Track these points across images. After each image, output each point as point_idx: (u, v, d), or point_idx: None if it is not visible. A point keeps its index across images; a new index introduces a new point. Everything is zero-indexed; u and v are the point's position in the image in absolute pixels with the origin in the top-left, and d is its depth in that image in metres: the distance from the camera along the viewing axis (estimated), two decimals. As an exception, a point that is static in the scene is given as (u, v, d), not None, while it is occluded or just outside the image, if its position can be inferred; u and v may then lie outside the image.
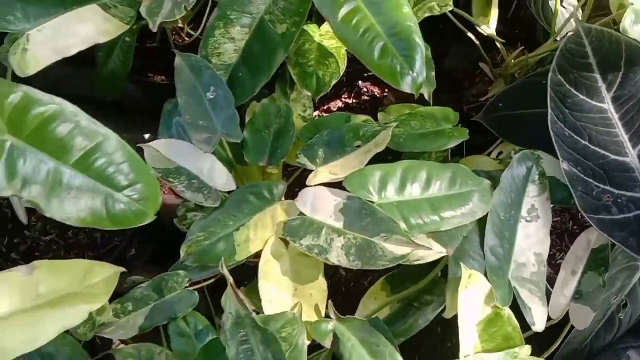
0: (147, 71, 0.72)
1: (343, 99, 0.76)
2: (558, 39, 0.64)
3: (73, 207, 0.39)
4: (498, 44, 0.64)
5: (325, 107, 0.74)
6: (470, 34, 0.62)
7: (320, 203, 0.46)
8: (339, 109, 0.75)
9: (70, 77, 0.65)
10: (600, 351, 0.59)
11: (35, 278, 0.45)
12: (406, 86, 0.48)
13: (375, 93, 0.78)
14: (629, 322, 0.59)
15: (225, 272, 0.41)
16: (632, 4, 0.53)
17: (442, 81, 0.63)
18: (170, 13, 0.46)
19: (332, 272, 0.64)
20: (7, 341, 0.41)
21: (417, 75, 0.48)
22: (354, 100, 0.76)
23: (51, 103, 0.38)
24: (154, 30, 0.45)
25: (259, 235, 0.47)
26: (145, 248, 0.69)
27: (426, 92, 0.55)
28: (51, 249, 0.63)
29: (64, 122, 0.39)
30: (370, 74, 0.78)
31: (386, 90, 0.77)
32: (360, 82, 0.77)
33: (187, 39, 0.70)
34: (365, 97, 0.77)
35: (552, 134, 0.52)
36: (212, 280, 0.51)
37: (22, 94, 0.37)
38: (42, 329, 0.43)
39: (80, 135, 0.39)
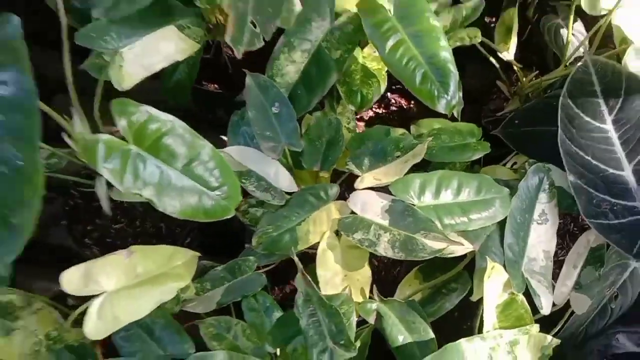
0: (201, 80, 0.81)
1: (374, 109, 0.86)
2: (567, 64, 0.74)
3: (178, 203, 0.48)
4: (515, 67, 0.73)
5: (358, 116, 0.84)
6: (491, 58, 0.72)
7: (368, 204, 0.56)
8: (370, 117, 0.84)
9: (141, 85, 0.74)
10: (595, 334, 0.69)
11: (133, 261, 0.55)
12: (441, 108, 0.57)
13: (403, 104, 0.87)
14: (620, 311, 0.69)
15: (296, 258, 0.51)
16: (633, 42, 0.62)
17: (463, 97, 0.72)
18: (251, 42, 0.55)
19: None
20: (118, 312, 0.50)
21: (451, 99, 0.57)
22: (383, 111, 0.86)
23: (165, 120, 0.47)
24: (239, 57, 0.55)
25: (317, 229, 0.57)
26: (197, 238, 0.78)
27: (456, 112, 0.65)
28: (120, 236, 0.72)
29: (173, 136, 0.48)
30: (397, 87, 0.88)
31: (412, 102, 0.86)
32: (389, 94, 0.86)
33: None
34: (394, 108, 0.86)
35: (561, 150, 0.62)
36: (272, 266, 0.61)
37: (145, 112, 0.47)
38: (142, 303, 0.52)
39: (184, 146, 0.49)
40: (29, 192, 0.41)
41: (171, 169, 0.48)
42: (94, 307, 0.49)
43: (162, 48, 0.61)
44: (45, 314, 0.56)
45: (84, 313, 0.50)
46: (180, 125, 0.49)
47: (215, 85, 0.82)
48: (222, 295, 0.56)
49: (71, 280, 0.49)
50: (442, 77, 0.57)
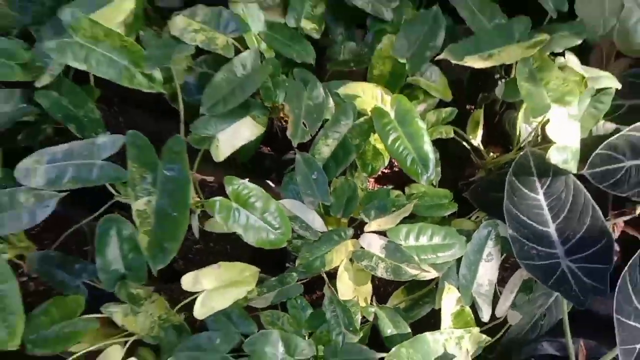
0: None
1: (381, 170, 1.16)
2: (518, 149, 1.04)
3: (256, 237, 0.79)
4: (481, 149, 1.04)
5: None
6: (465, 143, 1.02)
7: (372, 243, 0.86)
8: (378, 176, 1.15)
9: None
10: (528, 342, 0.97)
11: (220, 271, 0.86)
12: (423, 181, 0.88)
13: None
14: (547, 326, 0.98)
15: (324, 276, 0.81)
16: (556, 142, 0.92)
17: (445, 167, 1.02)
18: (302, 137, 0.86)
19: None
20: (212, 303, 0.80)
21: (430, 175, 0.88)
22: (387, 171, 1.16)
23: (252, 187, 0.79)
24: (295, 145, 0.86)
25: (337, 257, 0.87)
26: (251, 256, 1.09)
27: (434, 182, 0.95)
28: (199, 254, 1.03)
29: (255, 196, 0.79)
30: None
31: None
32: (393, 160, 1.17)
33: (285, 124, 1.11)
34: (395, 170, 1.17)
35: (505, 211, 0.91)
36: (305, 280, 0.91)
37: (242, 183, 0.78)
38: (226, 298, 0.83)
39: (261, 202, 0.80)
40: (177, 231, 0.72)
41: (253, 216, 0.79)
42: (199, 298, 0.79)
43: (242, 132, 0.92)
44: (159, 302, 0.86)
45: (183, 305, 0.81)
46: (259, 190, 0.80)
47: (268, 148, 1.14)
48: (274, 297, 0.87)
49: (187, 281, 0.79)
50: (424, 162, 0.88)
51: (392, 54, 0.97)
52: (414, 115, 0.91)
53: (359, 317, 0.82)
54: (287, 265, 0.99)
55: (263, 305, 0.87)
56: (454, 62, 0.90)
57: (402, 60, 0.96)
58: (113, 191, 0.87)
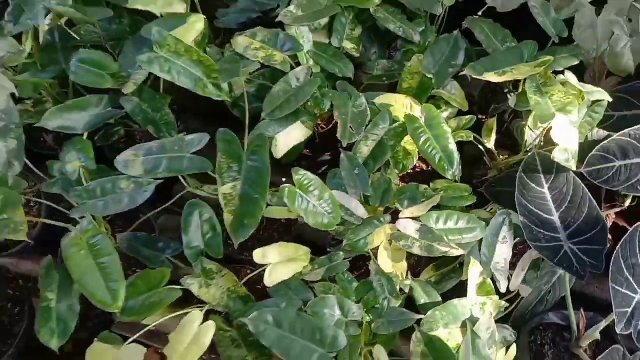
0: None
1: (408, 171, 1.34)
2: (525, 152, 1.22)
3: (313, 219, 0.95)
4: (494, 151, 1.22)
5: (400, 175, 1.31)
6: (480, 146, 1.20)
7: (408, 227, 1.02)
8: (403, 176, 1.32)
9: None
10: (536, 314, 1.14)
11: (280, 249, 1.01)
12: (449, 176, 1.05)
13: (423, 167, 1.35)
14: (552, 301, 1.15)
15: (371, 254, 0.97)
16: (559, 145, 1.09)
17: (463, 167, 1.19)
18: (351, 137, 1.03)
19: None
20: (277, 275, 0.96)
21: (455, 171, 1.05)
22: (411, 171, 1.34)
23: (311, 177, 0.95)
24: (345, 145, 1.02)
25: (377, 239, 1.03)
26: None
27: (457, 177, 1.12)
28: (250, 240, 1.19)
29: (314, 185, 0.95)
30: (420, 157, 1.36)
31: (430, 167, 1.34)
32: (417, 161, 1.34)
33: (324, 127, 1.28)
34: (418, 170, 1.34)
35: (517, 203, 1.08)
36: (350, 259, 1.07)
37: (304, 174, 0.94)
38: (287, 271, 0.98)
39: (317, 190, 0.96)
40: (257, 210, 0.88)
41: (312, 202, 0.96)
42: (268, 270, 0.95)
43: (295, 134, 1.09)
44: (228, 277, 1.02)
45: (250, 279, 0.97)
46: (317, 180, 0.96)
47: (307, 150, 1.31)
48: (324, 272, 1.02)
49: (258, 255, 0.95)
50: (450, 159, 1.05)
51: (420, 70, 1.15)
52: (440, 121, 1.08)
53: (397, 289, 0.98)
54: (328, 250, 1.15)
55: (315, 279, 1.02)
56: (473, 77, 1.08)
57: (429, 76, 1.14)
58: (185, 184, 1.03)
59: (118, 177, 0.92)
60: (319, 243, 1.18)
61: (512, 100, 1.14)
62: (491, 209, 1.16)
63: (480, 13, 1.31)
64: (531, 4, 1.19)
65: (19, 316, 1.13)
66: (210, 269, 1.00)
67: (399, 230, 1.02)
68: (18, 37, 1.11)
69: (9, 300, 1.14)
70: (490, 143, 1.20)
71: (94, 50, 1.07)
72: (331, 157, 1.31)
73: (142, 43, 1.08)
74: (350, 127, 1.04)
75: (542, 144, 1.20)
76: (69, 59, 1.06)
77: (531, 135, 1.23)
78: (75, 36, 1.12)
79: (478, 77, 1.08)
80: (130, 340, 0.91)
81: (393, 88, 1.22)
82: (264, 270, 0.96)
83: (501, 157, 1.24)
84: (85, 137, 1.04)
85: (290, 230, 1.22)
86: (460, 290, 1.06)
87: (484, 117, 1.33)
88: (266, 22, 1.20)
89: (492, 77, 1.09)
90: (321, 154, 1.32)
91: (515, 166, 1.22)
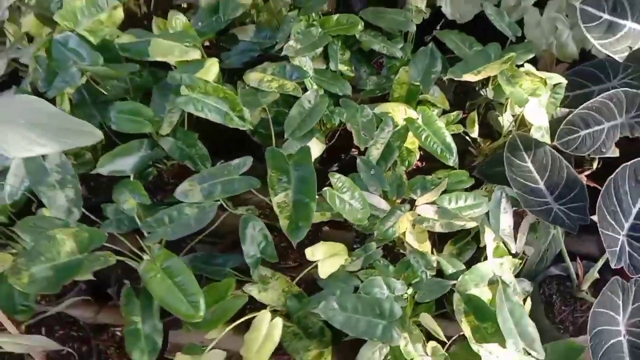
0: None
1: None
2: (504, 136, 1.43)
3: (350, 215, 1.11)
4: (478, 140, 1.42)
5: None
6: (467, 137, 1.40)
7: (427, 210, 1.19)
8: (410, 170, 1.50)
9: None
10: (540, 270, 1.33)
11: (323, 246, 1.16)
12: (451, 163, 1.24)
13: (419, 164, 1.54)
14: (551, 256, 1.34)
15: (404, 239, 1.13)
16: (533, 124, 1.30)
17: (455, 157, 1.39)
18: (365, 143, 1.20)
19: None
20: (327, 268, 1.10)
21: (455, 159, 1.24)
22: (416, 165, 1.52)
23: (344, 180, 1.11)
24: (362, 149, 1.19)
25: (403, 225, 1.19)
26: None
27: (456, 164, 1.30)
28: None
29: (345, 186, 1.11)
30: (424, 154, 1.54)
31: (424, 164, 1.53)
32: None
33: (327, 142, 1.45)
34: (414, 168, 1.53)
35: (508, 178, 1.27)
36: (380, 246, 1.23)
37: (338, 177, 1.10)
38: (333, 264, 1.13)
39: (349, 190, 1.12)
40: (309, 213, 1.03)
41: (347, 200, 1.11)
42: (320, 265, 1.09)
43: (313, 149, 1.25)
44: (281, 279, 1.15)
45: (300, 279, 1.11)
46: (349, 181, 1.12)
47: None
48: (362, 262, 1.17)
49: (309, 252, 1.09)
50: (449, 150, 1.24)
51: (408, 80, 1.34)
52: (434, 119, 1.27)
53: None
54: (355, 246, 1.30)
55: (356, 269, 1.17)
56: (447, 79, 1.28)
57: (416, 83, 1.33)
58: (226, 206, 1.17)
59: (182, 205, 1.05)
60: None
61: (489, 93, 1.35)
62: (486, 188, 1.35)
63: (438, 26, 1.54)
64: (488, 12, 1.42)
65: (87, 354, 1.21)
66: (265, 275, 1.13)
67: (419, 215, 1.19)
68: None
69: (75, 340, 1.22)
70: (475, 133, 1.40)
71: (128, 101, 1.20)
72: (339, 167, 1.48)
73: (167, 89, 1.22)
74: (363, 134, 1.21)
75: (515, 127, 1.41)
76: (103, 112, 1.19)
77: (506, 121, 1.44)
78: (103, 91, 1.24)
79: (458, 79, 1.28)
80: (210, 346, 1.03)
81: (383, 99, 1.40)
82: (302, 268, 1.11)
83: (483, 144, 1.44)
84: (132, 178, 1.16)
85: (317, 235, 1.37)
86: (476, 260, 1.23)
87: (462, 112, 1.53)
88: (266, 58, 1.36)
89: (469, 77, 1.29)
90: (330, 165, 1.48)
91: (498, 150, 1.43)
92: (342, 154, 1.50)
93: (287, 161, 1.06)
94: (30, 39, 1.47)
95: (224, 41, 1.44)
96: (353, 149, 1.51)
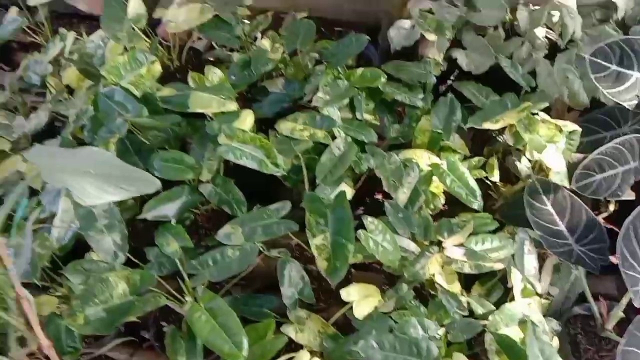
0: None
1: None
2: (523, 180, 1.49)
3: (382, 256, 1.15)
4: (498, 184, 1.48)
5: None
6: (487, 180, 1.46)
7: (455, 252, 1.24)
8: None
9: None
10: (564, 311, 1.36)
11: (359, 287, 1.19)
12: (475, 207, 1.29)
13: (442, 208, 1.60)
14: (574, 296, 1.38)
15: (434, 280, 1.18)
16: (552, 169, 1.37)
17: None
18: (395, 188, 1.26)
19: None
20: (362, 309, 1.14)
21: (480, 203, 1.30)
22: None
23: (377, 223, 1.17)
24: (391, 194, 1.25)
25: (433, 267, 1.24)
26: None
27: (480, 208, 1.36)
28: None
29: (377, 229, 1.17)
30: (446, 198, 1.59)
31: (445, 207, 1.59)
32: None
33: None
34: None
35: (531, 222, 1.33)
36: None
37: (371, 220, 1.16)
38: (368, 305, 1.16)
39: (381, 233, 1.17)
40: (347, 254, 1.07)
41: (380, 242, 1.16)
42: (355, 305, 1.13)
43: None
44: (315, 319, 1.18)
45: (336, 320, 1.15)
46: (381, 224, 1.18)
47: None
48: (394, 303, 1.21)
49: (344, 294, 1.13)
50: (474, 194, 1.31)
51: (430, 128, 1.42)
52: (458, 165, 1.34)
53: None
54: (384, 287, 1.34)
55: (388, 310, 1.21)
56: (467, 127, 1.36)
57: (439, 131, 1.41)
58: (262, 249, 1.22)
59: (224, 247, 1.10)
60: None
61: (509, 139, 1.42)
62: (508, 230, 1.40)
63: (452, 77, 1.64)
64: (503, 64, 1.51)
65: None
66: (300, 316, 1.16)
67: (448, 257, 1.24)
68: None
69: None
70: (496, 177, 1.46)
71: (169, 150, 1.27)
72: (364, 210, 1.53)
73: (206, 138, 1.29)
74: (392, 180, 1.28)
75: (535, 172, 1.47)
76: (147, 161, 1.25)
77: (524, 166, 1.51)
78: (145, 141, 1.31)
79: (478, 127, 1.36)
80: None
81: (405, 145, 1.47)
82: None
83: (502, 188, 1.51)
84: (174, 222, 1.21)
85: (347, 277, 1.41)
86: (503, 301, 1.27)
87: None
88: (294, 108, 1.45)
89: (489, 125, 1.37)
90: (355, 208, 1.53)
91: (518, 193, 1.49)
92: (366, 197, 1.55)
93: (325, 205, 1.12)
94: (70, 91, 1.56)
95: (255, 92, 1.52)
96: (376, 193, 1.57)
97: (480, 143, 1.67)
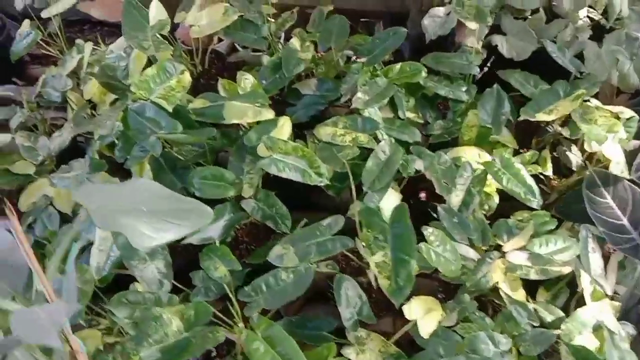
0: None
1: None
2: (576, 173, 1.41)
3: (444, 268, 1.08)
4: (551, 177, 1.40)
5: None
6: (541, 175, 1.38)
7: (518, 257, 1.17)
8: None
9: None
10: (629, 309, 1.29)
11: (420, 302, 1.13)
12: (535, 206, 1.21)
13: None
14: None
15: (500, 287, 1.10)
16: (611, 160, 1.28)
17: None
18: (448, 190, 1.18)
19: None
20: (427, 327, 1.07)
21: (538, 201, 1.21)
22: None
23: (437, 233, 1.09)
24: (445, 197, 1.17)
25: (496, 274, 1.16)
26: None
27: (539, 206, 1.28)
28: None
29: (438, 239, 1.09)
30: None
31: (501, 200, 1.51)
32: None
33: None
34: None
35: (592, 216, 1.25)
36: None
37: (432, 231, 1.08)
38: (432, 321, 1.09)
39: (442, 243, 1.10)
40: (410, 271, 1.00)
41: (441, 253, 1.09)
42: (420, 323, 1.06)
43: (391, 200, 1.23)
44: (375, 338, 1.12)
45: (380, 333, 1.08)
46: (441, 234, 1.10)
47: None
48: (457, 315, 1.14)
49: (407, 311, 1.06)
50: (532, 192, 1.22)
51: (477, 123, 1.33)
52: (513, 162, 1.25)
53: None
54: (439, 296, 1.27)
55: (452, 324, 1.13)
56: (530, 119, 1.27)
57: (488, 126, 1.32)
58: (317, 268, 1.14)
59: (277, 270, 1.03)
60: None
61: (562, 130, 1.33)
62: (566, 227, 1.32)
63: (488, 64, 1.55)
64: (549, 49, 1.42)
65: None
66: (360, 336, 1.10)
67: (510, 262, 1.16)
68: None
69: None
70: (549, 171, 1.38)
71: (207, 165, 1.19)
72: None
73: (243, 150, 1.21)
74: (444, 182, 1.20)
75: (592, 164, 1.39)
76: (183, 178, 1.18)
77: (575, 159, 1.42)
78: (179, 157, 1.24)
79: (531, 119, 1.27)
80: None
81: (449, 143, 1.39)
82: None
83: (558, 182, 1.42)
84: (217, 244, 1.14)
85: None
86: (570, 303, 1.20)
87: (525, 150, 1.52)
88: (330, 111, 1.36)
89: (543, 117, 1.28)
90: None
91: (572, 187, 1.41)
92: (409, 199, 1.48)
93: (384, 219, 1.04)
94: (92, 105, 1.48)
95: (287, 95, 1.44)
96: (419, 192, 1.50)
97: (524, 135, 1.58)
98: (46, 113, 1.59)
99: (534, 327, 1.10)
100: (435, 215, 1.38)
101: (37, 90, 1.49)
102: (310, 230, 1.08)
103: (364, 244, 1.03)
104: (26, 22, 1.59)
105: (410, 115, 1.36)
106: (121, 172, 1.27)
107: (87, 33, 2.02)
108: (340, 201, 1.32)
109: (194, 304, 0.95)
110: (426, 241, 1.09)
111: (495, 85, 1.38)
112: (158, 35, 1.31)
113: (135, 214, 0.72)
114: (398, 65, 1.38)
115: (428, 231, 1.09)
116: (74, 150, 1.46)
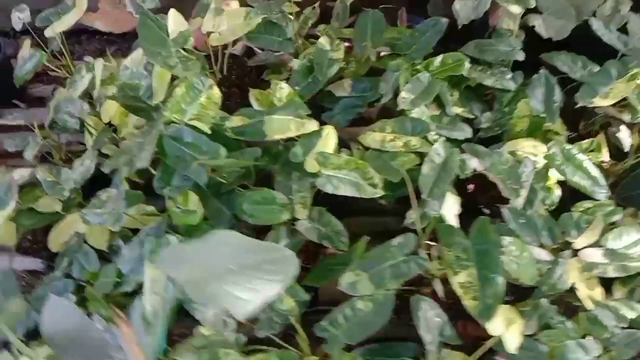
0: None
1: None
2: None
3: (522, 275, 1.02)
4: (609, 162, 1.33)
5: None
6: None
7: (592, 254, 1.10)
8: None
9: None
10: None
11: (501, 313, 1.06)
12: (602, 198, 1.15)
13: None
14: None
15: (577, 288, 1.04)
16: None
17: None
18: (516, 193, 1.11)
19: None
20: (514, 341, 1.01)
21: (606, 192, 1.15)
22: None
23: (510, 240, 1.02)
24: (514, 201, 1.10)
25: (572, 275, 1.10)
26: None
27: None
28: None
29: (512, 245, 1.02)
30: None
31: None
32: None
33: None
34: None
35: (658, 201, 1.19)
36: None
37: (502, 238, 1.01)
38: (516, 333, 1.03)
39: (516, 249, 1.03)
40: (498, 290, 0.93)
41: (517, 261, 1.02)
42: (507, 338, 1.00)
43: (451, 205, 1.15)
44: (454, 357, 1.05)
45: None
46: (515, 239, 1.03)
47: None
48: (537, 321, 1.08)
49: (491, 327, 1.00)
50: (597, 183, 1.16)
51: (528, 112, 1.25)
52: (574, 153, 1.18)
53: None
54: (506, 299, 1.21)
55: (533, 331, 1.07)
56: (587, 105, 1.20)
57: (541, 115, 1.24)
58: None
59: (353, 300, 0.95)
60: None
61: (624, 115, 1.26)
62: (630, 214, 1.26)
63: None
64: (594, 26, 1.34)
65: None
66: (442, 357, 1.03)
67: (585, 261, 1.10)
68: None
69: None
70: (605, 156, 1.31)
71: (254, 188, 1.10)
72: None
73: (289, 167, 1.13)
74: (509, 183, 1.12)
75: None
76: (231, 205, 1.09)
77: (629, 139, 1.35)
78: (222, 180, 1.14)
79: (589, 106, 1.20)
80: None
81: (495, 137, 1.31)
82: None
83: (609, 166, 1.36)
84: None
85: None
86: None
87: (572, 134, 1.45)
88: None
89: (600, 102, 1.21)
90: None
91: (629, 170, 1.34)
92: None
93: (465, 236, 0.97)
94: (112, 127, 1.38)
95: (320, 99, 1.35)
96: (467, 184, 1.42)
97: (568, 118, 1.51)
98: (60, 138, 1.48)
99: (623, 328, 1.04)
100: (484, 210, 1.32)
101: (49, 117, 1.38)
102: (380, 252, 1.00)
103: (441, 266, 0.96)
104: (27, 43, 1.46)
105: (457, 110, 1.28)
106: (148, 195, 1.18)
107: (85, 44, 1.89)
108: (392, 210, 1.24)
109: (277, 353, 0.88)
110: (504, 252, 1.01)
111: (542, 70, 1.30)
112: (181, 50, 1.20)
113: (227, 278, 0.64)
114: (439, 58, 1.29)
115: (507, 241, 1.02)
116: (97, 179, 1.36)
